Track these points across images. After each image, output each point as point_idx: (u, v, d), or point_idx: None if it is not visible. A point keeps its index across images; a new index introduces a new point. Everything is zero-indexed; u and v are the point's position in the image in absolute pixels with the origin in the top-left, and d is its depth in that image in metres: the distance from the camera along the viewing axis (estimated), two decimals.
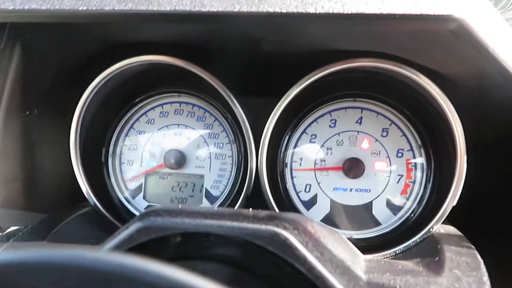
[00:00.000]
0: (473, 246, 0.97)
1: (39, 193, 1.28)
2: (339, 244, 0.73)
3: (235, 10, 0.66)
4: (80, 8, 0.70)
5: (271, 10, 0.65)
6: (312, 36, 0.92)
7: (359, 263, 0.76)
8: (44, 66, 1.13)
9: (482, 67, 0.85)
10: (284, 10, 0.65)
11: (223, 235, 0.62)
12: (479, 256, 0.90)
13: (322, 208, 1.26)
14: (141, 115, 1.35)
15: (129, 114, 1.35)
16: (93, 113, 1.27)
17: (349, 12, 0.64)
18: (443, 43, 0.80)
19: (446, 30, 0.66)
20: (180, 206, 0.69)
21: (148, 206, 1.34)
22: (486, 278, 0.77)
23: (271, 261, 0.62)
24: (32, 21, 0.77)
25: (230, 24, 0.76)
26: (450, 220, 1.16)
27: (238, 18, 0.68)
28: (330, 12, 0.64)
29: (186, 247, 0.67)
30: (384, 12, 0.64)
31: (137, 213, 1.33)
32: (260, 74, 1.20)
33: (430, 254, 0.95)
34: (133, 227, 0.63)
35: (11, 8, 0.74)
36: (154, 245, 0.66)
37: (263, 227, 0.60)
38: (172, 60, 1.11)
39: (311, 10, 0.65)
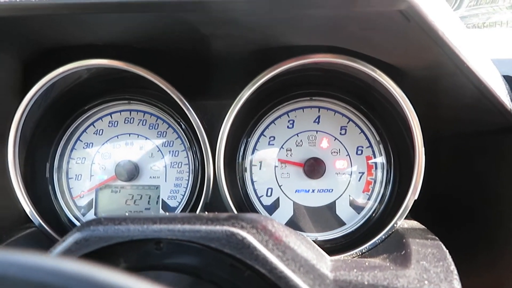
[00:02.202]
0: (437, 238, 0.96)
1: None
2: (303, 243, 0.69)
3: None
4: (2, 1, 0.63)
5: None
6: (262, 30, 0.89)
7: (325, 262, 0.72)
8: None
9: (432, 53, 0.84)
10: None
11: (175, 241, 0.56)
12: (444, 247, 0.89)
13: (285, 212, 1.22)
14: (88, 126, 1.27)
15: (74, 125, 1.25)
16: (34, 126, 1.17)
17: None
18: (393, 29, 0.78)
19: (396, 11, 0.64)
20: (126, 214, 0.63)
21: None
22: (453, 267, 0.75)
23: (229, 265, 0.56)
24: None
25: (171, 14, 0.71)
26: (412, 214, 1.16)
27: (179, 7, 0.63)
28: None
29: (133, 258, 0.60)
30: None
31: None
32: (212, 75, 1.15)
33: (396, 249, 0.93)
34: (70, 239, 0.55)
35: None
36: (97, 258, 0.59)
37: (218, 227, 0.55)
38: (120, 64, 1.04)
39: None
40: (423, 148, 1.05)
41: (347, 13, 0.68)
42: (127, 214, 0.62)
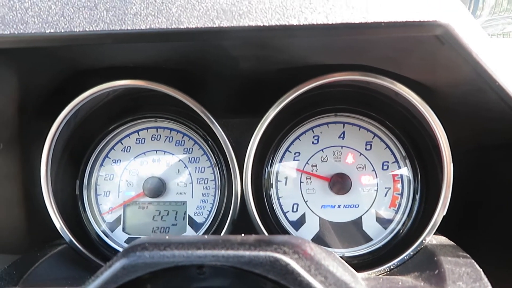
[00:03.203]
0: (469, 256, 0.95)
1: (7, 232, 1.19)
2: (339, 265, 0.69)
3: (215, 26, 0.63)
4: (48, 31, 0.66)
5: (252, 24, 0.62)
6: (291, 51, 0.90)
7: (361, 284, 0.72)
8: (7, 98, 1.06)
9: (463, 72, 0.85)
10: (266, 24, 0.62)
11: (218, 265, 0.57)
12: (477, 266, 0.88)
13: (311, 228, 1.22)
14: (116, 143, 1.29)
15: (103, 143, 1.28)
16: (65, 144, 1.19)
17: (334, 23, 0.62)
18: (424, 50, 0.79)
19: (431, 36, 0.65)
20: (167, 237, 0.64)
21: (128, 239, 1.26)
22: (490, 287, 0.75)
23: None
24: None
25: (209, 42, 0.72)
26: (439, 229, 1.15)
27: (219, 35, 0.65)
28: (314, 23, 0.62)
29: (177, 282, 0.62)
30: (370, 21, 0.62)
31: (116, 247, 1.25)
32: (238, 93, 1.17)
33: (428, 267, 0.93)
34: (117, 265, 0.57)
35: None
36: (138, 281, 0.60)
37: (262, 253, 0.56)
38: (149, 84, 1.07)
39: (294, 22, 0.63)
40: (452, 164, 1.05)
41: (383, 38, 0.69)
42: (167, 237, 0.63)
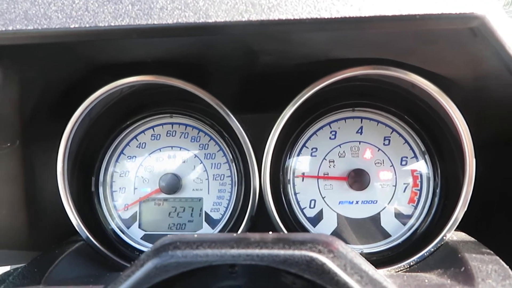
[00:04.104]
0: (492, 252, 0.94)
1: (25, 229, 1.18)
2: (367, 263, 0.68)
3: (243, 20, 0.62)
4: (72, 26, 0.64)
5: (283, 17, 0.61)
6: (314, 45, 0.88)
7: (389, 281, 0.71)
8: (25, 94, 1.04)
9: (491, 65, 0.83)
10: (297, 17, 0.61)
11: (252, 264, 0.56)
12: (504, 263, 0.86)
13: (329, 224, 1.21)
14: (131, 139, 1.28)
15: (118, 140, 1.27)
16: (80, 142, 1.18)
17: (367, 15, 0.61)
18: (453, 42, 0.77)
19: (466, 28, 0.63)
20: (195, 235, 0.63)
21: (144, 235, 1.25)
22: None
23: None
24: (16, 44, 0.70)
25: (235, 35, 0.71)
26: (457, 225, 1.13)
27: (247, 29, 0.63)
28: (347, 16, 0.60)
29: (207, 280, 0.61)
30: (404, 13, 0.61)
31: (133, 244, 1.25)
32: (255, 89, 1.15)
33: (452, 264, 0.91)
34: (149, 265, 0.55)
35: None
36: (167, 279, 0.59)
37: (297, 252, 0.54)
38: (166, 80, 1.05)
39: (326, 15, 0.61)
40: (474, 159, 1.03)
41: (415, 30, 0.67)
42: (195, 235, 0.62)
